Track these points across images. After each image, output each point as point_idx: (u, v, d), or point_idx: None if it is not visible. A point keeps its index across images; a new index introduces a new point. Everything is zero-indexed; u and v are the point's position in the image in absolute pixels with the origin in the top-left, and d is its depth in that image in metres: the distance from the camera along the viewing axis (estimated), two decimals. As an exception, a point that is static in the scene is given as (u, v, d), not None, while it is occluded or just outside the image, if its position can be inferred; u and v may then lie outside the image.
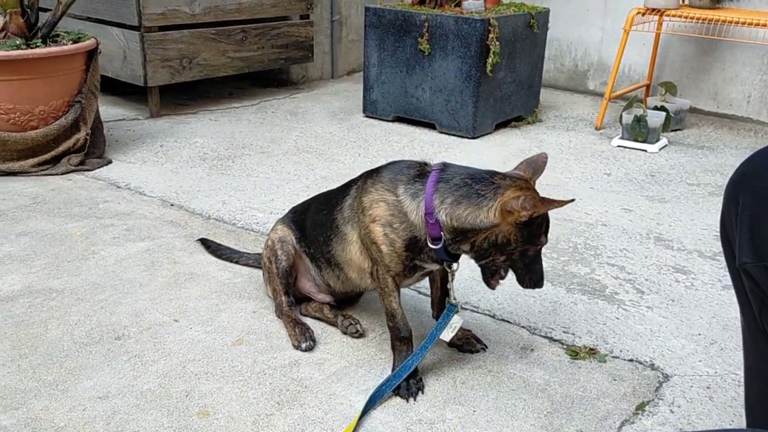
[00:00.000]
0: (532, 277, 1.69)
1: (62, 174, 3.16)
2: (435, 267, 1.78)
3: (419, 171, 1.70)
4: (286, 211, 2.18)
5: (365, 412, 1.64)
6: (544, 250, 2.51)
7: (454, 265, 1.74)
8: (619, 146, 3.81)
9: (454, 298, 1.80)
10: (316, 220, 1.97)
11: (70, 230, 2.61)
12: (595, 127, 4.15)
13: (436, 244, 1.64)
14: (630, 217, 2.88)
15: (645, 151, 3.73)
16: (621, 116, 3.85)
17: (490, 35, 3.68)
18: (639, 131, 3.74)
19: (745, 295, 1.17)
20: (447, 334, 1.78)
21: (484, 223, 1.59)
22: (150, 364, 1.84)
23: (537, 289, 1.76)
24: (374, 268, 1.79)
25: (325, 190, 2.09)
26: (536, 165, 1.74)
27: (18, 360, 1.83)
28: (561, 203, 1.54)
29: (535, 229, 1.60)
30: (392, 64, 4.03)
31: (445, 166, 1.68)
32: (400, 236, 1.68)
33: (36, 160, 3.14)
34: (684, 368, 1.87)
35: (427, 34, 3.82)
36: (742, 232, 1.11)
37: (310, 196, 2.17)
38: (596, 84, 4.92)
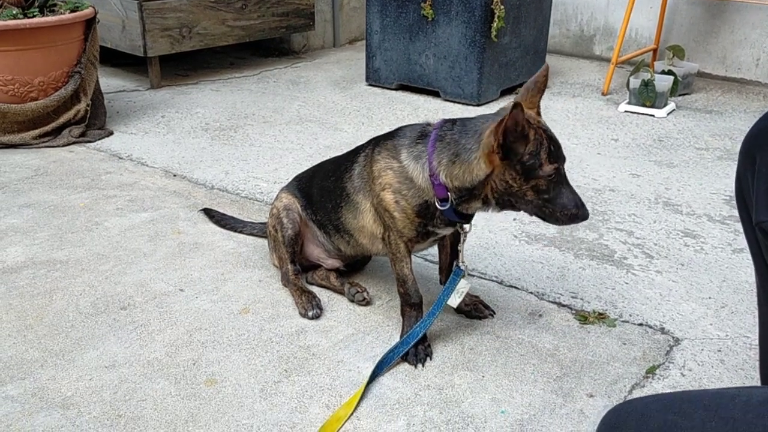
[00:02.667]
0: (562, 211, 1.53)
1: (63, 146, 3.13)
2: (448, 231, 1.75)
3: (421, 132, 1.66)
4: (290, 179, 2.15)
5: (373, 378, 1.63)
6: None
7: (467, 227, 1.71)
8: (626, 111, 3.76)
9: (463, 262, 1.77)
10: (323, 187, 1.94)
11: (73, 202, 2.59)
12: (601, 93, 4.09)
13: (443, 205, 1.61)
14: (638, 182, 2.84)
15: (652, 116, 3.68)
16: (628, 81, 3.79)
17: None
18: (646, 96, 3.69)
19: (760, 255, 1.15)
20: (454, 300, 1.77)
21: (480, 177, 1.54)
22: (156, 333, 1.83)
23: (582, 221, 1.56)
24: (386, 234, 1.77)
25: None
26: (534, 83, 1.60)
27: (24, 331, 1.82)
28: (513, 111, 1.39)
29: (528, 159, 1.47)
30: (395, 30, 3.96)
31: (444, 123, 1.64)
32: (410, 203, 1.65)
33: (37, 131, 3.10)
34: (695, 332, 1.85)
35: (430, -1, 3.75)
36: (760, 189, 1.07)
37: (314, 164, 2.14)
38: (603, 49, 4.84)
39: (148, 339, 1.80)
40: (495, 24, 3.66)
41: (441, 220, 1.67)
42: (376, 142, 1.74)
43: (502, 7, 3.64)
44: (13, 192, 2.66)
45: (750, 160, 1.11)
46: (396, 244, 1.74)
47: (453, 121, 1.64)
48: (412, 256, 2.10)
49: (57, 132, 3.16)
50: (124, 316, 1.90)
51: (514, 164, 1.49)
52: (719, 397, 0.91)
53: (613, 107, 3.84)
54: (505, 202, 1.58)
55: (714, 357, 1.75)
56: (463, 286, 1.77)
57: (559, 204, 1.53)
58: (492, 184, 1.55)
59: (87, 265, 2.15)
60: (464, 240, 1.75)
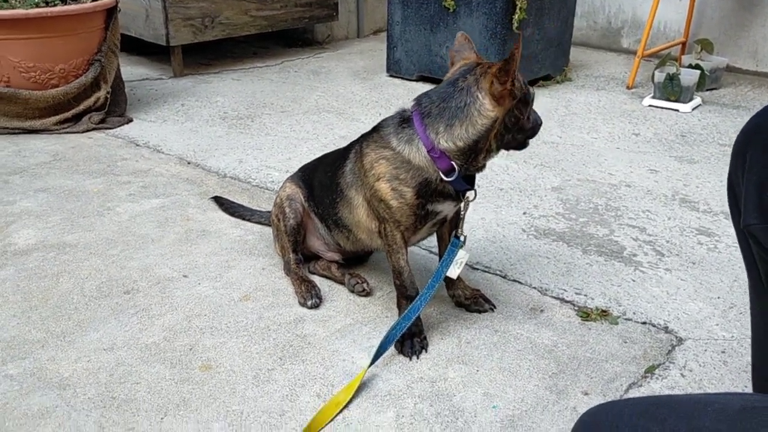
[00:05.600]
0: (536, 124, 1.70)
1: (83, 132, 3.18)
2: (448, 208, 1.72)
3: (401, 118, 1.68)
4: (296, 170, 2.15)
5: (375, 359, 1.61)
6: (562, 210, 2.47)
7: (470, 194, 1.70)
8: (650, 106, 3.68)
9: (462, 233, 1.76)
10: (322, 182, 1.95)
11: (88, 187, 2.63)
12: (626, 87, 4.01)
13: (451, 176, 1.62)
14: (656, 178, 2.78)
15: (677, 110, 3.60)
16: (653, 75, 3.71)
17: (517, -10, 3.56)
18: (671, 90, 3.61)
19: (751, 256, 1.11)
20: (453, 270, 1.75)
21: (487, 124, 1.59)
22: (156, 318, 1.85)
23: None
24: (381, 227, 1.76)
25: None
26: (459, 48, 1.72)
27: (28, 312, 1.86)
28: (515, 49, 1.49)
29: (525, 88, 1.61)
30: (416, 21, 3.94)
31: (419, 100, 1.67)
32: (410, 185, 1.65)
33: (57, 117, 3.16)
34: (699, 332, 1.81)
35: (451, -10, 3.71)
36: (749, 190, 1.03)
37: (320, 155, 2.13)
38: (630, 42, 4.75)
39: (147, 323, 1.82)
40: (517, 16, 3.61)
41: (442, 194, 1.67)
42: (363, 137, 1.76)
43: (524, -2, 3.59)
44: (31, 176, 2.71)
45: (741, 160, 1.07)
46: (392, 236, 1.73)
47: (425, 95, 1.67)
48: (413, 248, 2.10)
49: (77, 118, 3.21)
50: (127, 300, 1.92)
51: (519, 98, 1.59)
52: (694, 404, 0.89)
53: (637, 101, 3.77)
54: (507, 141, 1.67)
55: (717, 358, 1.71)
56: (462, 257, 1.76)
57: (533, 119, 1.69)
58: (498, 128, 1.60)
59: (95, 249, 2.18)
60: (466, 209, 1.74)
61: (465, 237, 1.76)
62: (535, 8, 3.75)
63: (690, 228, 2.37)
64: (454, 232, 1.79)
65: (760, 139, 1.05)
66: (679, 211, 2.50)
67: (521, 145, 1.71)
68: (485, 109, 1.57)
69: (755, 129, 1.08)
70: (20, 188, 2.60)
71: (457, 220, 1.78)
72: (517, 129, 1.65)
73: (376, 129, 1.75)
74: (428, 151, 1.60)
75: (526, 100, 1.62)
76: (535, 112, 1.69)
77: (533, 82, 4.00)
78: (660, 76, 3.63)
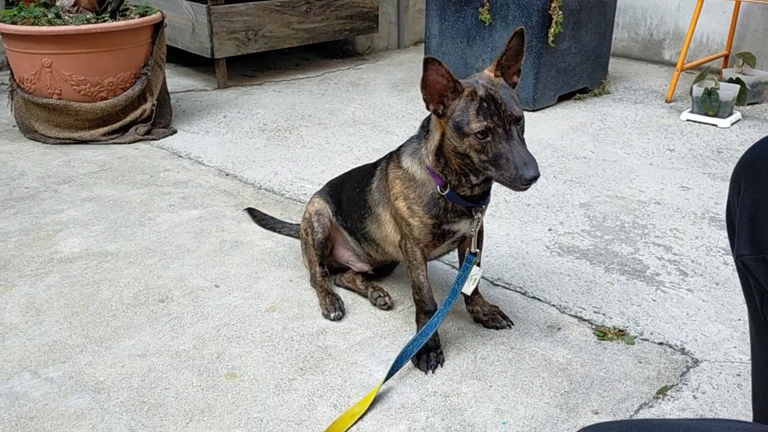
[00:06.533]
0: (503, 173, 1.51)
1: (129, 143, 3.33)
2: (463, 226, 1.77)
3: (418, 136, 1.76)
4: (323, 184, 2.23)
5: (391, 374, 1.68)
6: (588, 227, 2.48)
7: (478, 214, 1.74)
8: (687, 120, 3.65)
9: (476, 248, 1.80)
10: (350, 198, 2.02)
11: (131, 197, 2.76)
12: (665, 100, 3.98)
13: (444, 191, 1.68)
14: (687, 196, 2.77)
15: (715, 125, 3.56)
16: (691, 89, 3.68)
17: (553, 4, 3.58)
18: (709, 105, 3.57)
19: (748, 285, 1.13)
20: (468, 287, 1.80)
21: (436, 142, 1.65)
22: (188, 326, 1.95)
23: (530, 185, 1.51)
24: (402, 242, 1.83)
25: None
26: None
27: (70, 317, 1.98)
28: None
29: (458, 115, 1.54)
30: (453, 34, 3.99)
31: (427, 119, 1.73)
32: (419, 203, 1.72)
33: (105, 129, 3.32)
34: (716, 354, 1.81)
35: (487, 4, 3.75)
36: (741, 221, 1.06)
37: (348, 170, 2.21)
38: (672, 54, 4.70)
39: (179, 331, 1.93)
40: (552, 29, 3.63)
41: (453, 212, 1.72)
42: (390, 155, 1.81)
43: (560, 12, 3.60)
44: (78, 186, 2.86)
45: (737, 190, 1.10)
46: (412, 252, 1.79)
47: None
48: (436, 263, 2.15)
49: (124, 130, 3.36)
50: (161, 309, 2.03)
51: (449, 122, 1.58)
52: (674, 428, 0.92)
53: (675, 115, 3.74)
54: (468, 167, 1.62)
55: (732, 381, 1.71)
56: (476, 273, 1.81)
57: (501, 165, 1.51)
58: (447, 148, 1.63)
59: (135, 258, 2.30)
60: (476, 226, 1.76)
61: (478, 253, 1.80)
62: (572, 22, 3.76)
63: (717, 247, 2.36)
64: (467, 249, 1.83)
65: (752, 172, 1.08)
66: (708, 230, 2.49)
67: (507, 183, 1.53)
68: (433, 125, 1.66)
69: (747, 162, 1.11)
70: (68, 197, 2.75)
71: (477, 237, 1.83)
72: (468, 159, 1.57)
73: (399, 148, 1.82)
74: (426, 167, 1.70)
75: (460, 128, 1.54)
76: (514, 157, 1.50)
77: (570, 95, 4.01)
78: (698, 91, 3.60)
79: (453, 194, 1.68)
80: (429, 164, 1.69)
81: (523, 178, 1.49)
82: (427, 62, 1.51)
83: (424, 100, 1.59)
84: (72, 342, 1.88)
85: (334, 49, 5.09)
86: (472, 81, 1.58)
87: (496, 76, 1.61)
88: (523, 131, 1.57)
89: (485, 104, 1.53)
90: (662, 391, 1.68)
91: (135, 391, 1.69)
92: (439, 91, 1.57)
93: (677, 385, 1.70)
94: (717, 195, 2.78)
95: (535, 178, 1.49)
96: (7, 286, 2.13)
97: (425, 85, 1.56)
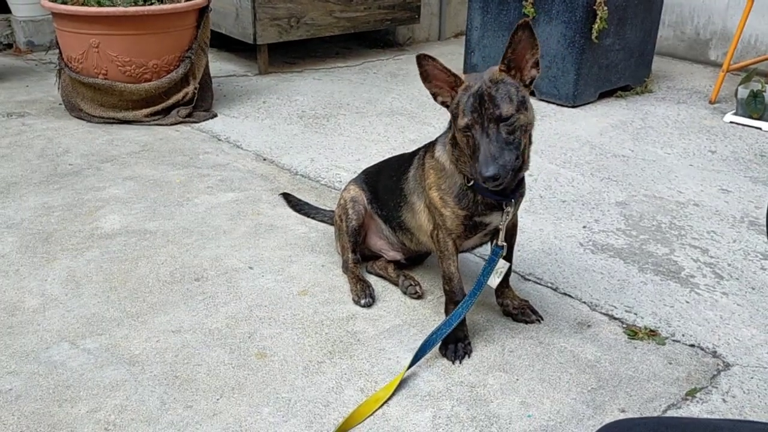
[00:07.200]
0: (473, 170, 1.59)
1: (171, 124, 3.39)
2: (495, 219, 1.76)
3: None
4: (359, 172, 2.25)
5: (415, 361, 1.69)
6: (623, 226, 2.47)
7: (508, 207, 1.73)
8: (731, 122, 3.58)
9: (502, 241, 1.78)
10: (386, 186, 2.04)
11: (171, 177, 2.82)
12: (709, 101, 3.91)
13: (469, 182, 1.70)
14: (726, 198, 2.73)
15: (759, 128, 3.48)
16: (736, 90, 3.60)
17: (598, 0, 3.54)
18: (755, 107, 3.50)
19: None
20: (494, 280, 1.80)
21: (452, 129, 1.70)
22: (221, 305, 1.99)
23: (490, 183, 1.55)
24: (434, 232, 1.84)
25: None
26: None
27: (108, 292, 2.04)
28: None
29: (453, 108, 1.63)
30: (495, 27, 3.96)
31: None
32: (449, 194, 1.73)
33: (148, 110, 3.38)
34: (748, 358, 1.79)
35: (531, -2, 3.72)
36: None
37: (384, 158, 2.22)
38: (718, 54, 4.61)
39: (213, 310, 1.97)
40: (596, 25, 3.59)
41: (484, 205, 1.72)
42: (427, 145, 1.82)
43: (605, 8, 3.56)
44: (121, 165, 2.93)
45: None
46: (444, 242, 1.81)
47: None
48: (468, 255, 2.16)
49: (166, 111, 3.42)
50: (196, 287, 2.07)
51: (451, 114, 1.65)
52: (704, 428, 0.92)
53: (719, 117, 3.67)
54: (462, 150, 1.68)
55: (763, 386, 1.69)
56: (502, 266, 1.81)
57: (475, 160, 1.57)
58: (457, 139, 1.67)
59: (173, 237, 2.35)
60: (505, 219, 1.75)
61: (504, 246, 1.80)
62: (617, 18, 3.71)
63: (755, 252, 2.32)
64: (494, 241, 1.82)
65: None
66: (746, 234, 2.45)
67: (475, 179, 1.65)
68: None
69: None
70: (110, 175, 2.82)
71: (510, 230, 1.83)
72: (469, 152, 1.62)
73: (436, 138, 1.83)
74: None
75: (455, 120, 1.62)
76: (483, 155, 1.53)
77: (611, 93, 3.96)
78: (743, 92, 3.53)
79: (480, 186, 1.68)
80: (447, 154, 1.73)
81: (481, 175, 1.54)
82: (420, 58, 1.61)
83: (431, 93, 1.66)
84: (109, 315, 1.93)
85: (374, 39, 5.10)
86: (476, 76, 1.63)
87: (501, 70, 1.61)
88: (513, 131, 1.57)
89: (472, 100, 1.57)
90: (691, 393, 1.66)
91: (168, 366, 1.73)
92: (441, 83, 1.64)
93: (707, 387, 1.69)
94: (757, 199, 2.73)
95: (493, 177, 1.52)
96: (49, 259, 2.20)
97: (426, 79, 1.64)
